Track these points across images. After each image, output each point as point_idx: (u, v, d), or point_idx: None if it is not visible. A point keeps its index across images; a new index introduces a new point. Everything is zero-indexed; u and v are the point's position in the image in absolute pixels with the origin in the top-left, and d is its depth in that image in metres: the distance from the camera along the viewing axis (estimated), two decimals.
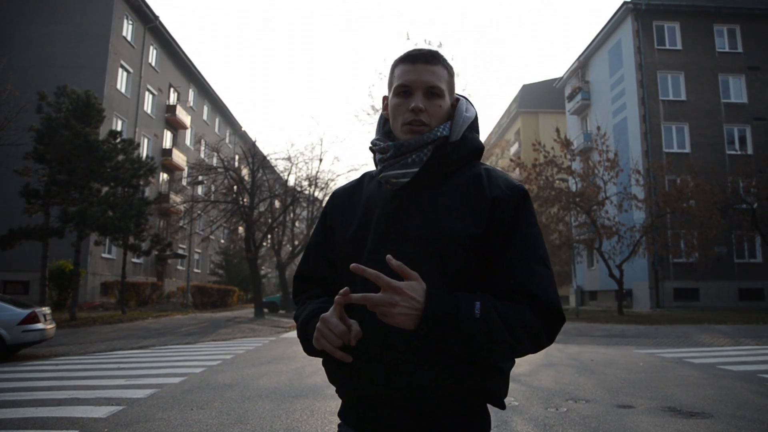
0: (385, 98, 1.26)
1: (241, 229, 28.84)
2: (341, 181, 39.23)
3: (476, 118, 1.26)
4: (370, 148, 1.25)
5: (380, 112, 1.31)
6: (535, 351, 1.09)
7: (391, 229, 1.13)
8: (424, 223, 1.11)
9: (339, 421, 1.26)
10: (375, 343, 1.08)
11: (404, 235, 1.11)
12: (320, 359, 1.23)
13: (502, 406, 1.15)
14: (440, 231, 1.10)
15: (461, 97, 1.26)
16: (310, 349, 1.19)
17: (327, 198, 1.22)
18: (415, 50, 1.20)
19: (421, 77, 1.16)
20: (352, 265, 1.01)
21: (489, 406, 1.17)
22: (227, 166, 25.08)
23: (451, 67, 1.22)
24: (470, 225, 1.10)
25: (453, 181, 1.16)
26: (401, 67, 1.19)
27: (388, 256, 1.01)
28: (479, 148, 1.21)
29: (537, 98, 46.18)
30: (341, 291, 1.03)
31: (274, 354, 10.69)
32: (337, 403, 5.70)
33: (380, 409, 1.12)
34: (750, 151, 25.56)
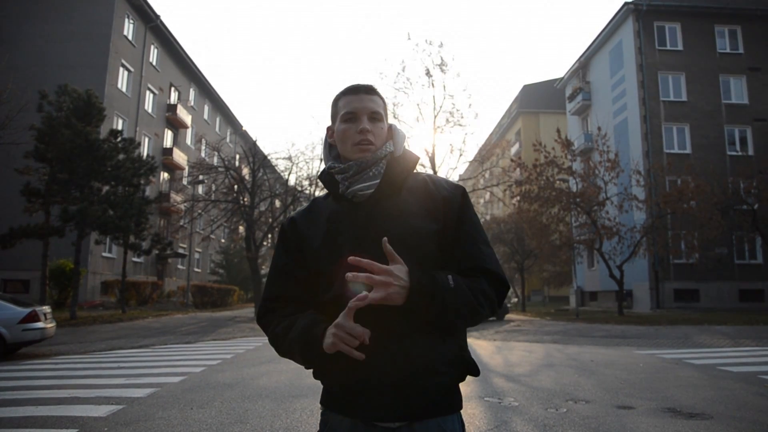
0: (329, 128, 1.45)
1: (241, 229, 28.85)
2: None
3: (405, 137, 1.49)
4: (327, 172, 1.39)
5: (326, 140, 1.47)
6: (490, 314, 1.31)
7: (366, 233, 1.30)
8: (396, 225, 1.29)
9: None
10: (371, 328, 1.21)
11: (380, 235, 1.25)
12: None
13: (478, 372, 1.32)
14: (411, 230, 1.30)
15: (392, 125, 1.47)
16: (313, 357, 1.27)
17: (284, 226, 1.33)
18: (355, 84, 1.40)
19: (364, 104, 1.36)
20: (350, 258, 1.17)
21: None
22: (228, 165, 25.07)
23: (384, 99, 1.42)
24: (431, 222, 1.32)
25: (406, 188, 1.37)
26: (345, 98, 1.39)
27: (384, 239, 1.20)
28: (417, 159, 1.42)
29: (538, 98, 46.18)
30: (358, 297, 1.16)
31: (275, 354, 10.64)
32: None
33: (372, 388, 1.24)
34: (751, 152, 25.55)
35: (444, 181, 1.41)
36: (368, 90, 1.39)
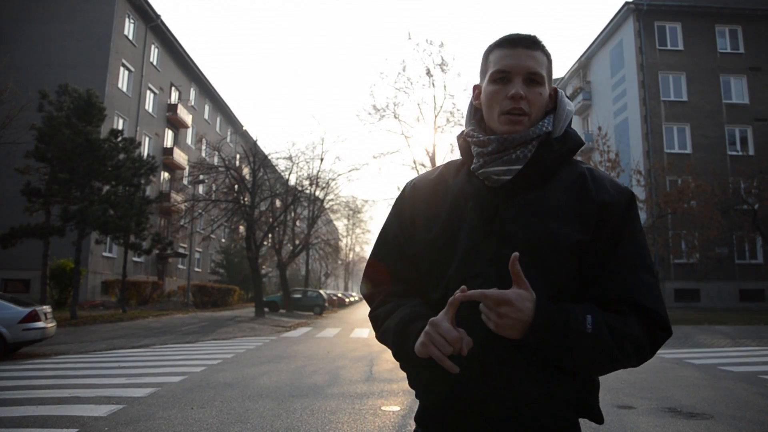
0: (476, 87, 1.18)
1: (241, 229, 28.83)
2: (342, 181, 39.26)
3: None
4: (465, 138, 1.16)
5: (471, 101, 1.21)
6: (637, 364, 1.05)
7: (491, 230, 1.07)
8: (528, 226, 1.05)
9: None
10: (475, 346, 0.99)
11: (506, 237, 1.05)
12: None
13: (601, 420, 1.09)
14: (547, 236, 1.04)
15: (558, 89, 1.18)
16: (404, 356, 1.10)
17: (404, 189, 1.18)
18: (514, 34, 1.12)
19: (521, 62, 1.08)
20: (458, 294, 0.95)
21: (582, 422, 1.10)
22: (228, 165, 25.07)
23: (550, 54, 1.13)
24: (577, 230, 1.04)
25: (556, 180, 1.10)
26: (498, 51, 1.11)
27: (515, 255, 0.95)
28: (581, 144, 1.13)
29: None
30: (460, 288, 0.96)
31: (275, 353, 10.69)
32: (336, 403, 5.72)
33: (470, 417, 1.05)
34: (751, 152, 25.53)
35: (608, 180, 1.11)
36: (528, 44, 1.10)
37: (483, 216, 1.08)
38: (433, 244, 1.12)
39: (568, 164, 1.13)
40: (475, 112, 1.19)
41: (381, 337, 1.17)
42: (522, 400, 1.02)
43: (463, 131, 1.18)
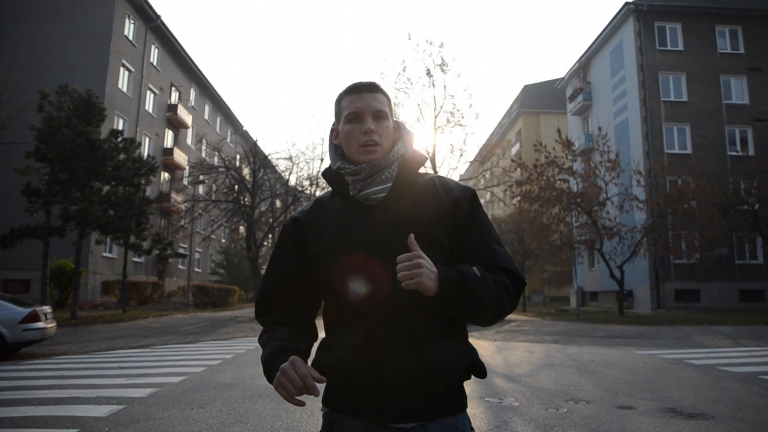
0: (333, 129, 1.42)
1: (242, 229, 28.88)
2: None
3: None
4: (336, 172, 1.37)
5: (331, 141, 1.44)
6: (510, 309, 1.30)
7: (378, 237, 1.28)
8: (409, 228, 1.25)
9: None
10: (389, 330, 1.23)
11: (392, 239, 1.26)
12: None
13: (485, 374, 1.34)
14: (423, 233, 1.26)
15: (399, 121, 1.44)
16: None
17: (288, 224, 1.46)
18: (358, 83, 1.37)
19: (368, 104, 1.33)
20: (411, 236, 1.18)
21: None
22: (228, 165, 25.10)
23: (388, 95, 1.39)
24: (443, 225, 1.31)
25: (415, 189, 1.35)
26: (348, 97, 1.35)
27: (411, 235, 1.19)
28: (425, 160, 1.41)
29: (538, 99, 46.16)
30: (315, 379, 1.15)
31: None
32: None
33: (387, 392, 1.23)
34: (751, 152, 25.53)
35: (453, 182, 1.40)
36: (371, 88, 1.36)
37: (370, 228, 1.29)
38: (327, 256, 1.31)
39: (419, 176, 1.40)
40: (337, 149, 1.41)
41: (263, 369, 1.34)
42: (433, 366, 1.23)
43: (328, 168, 1.41)
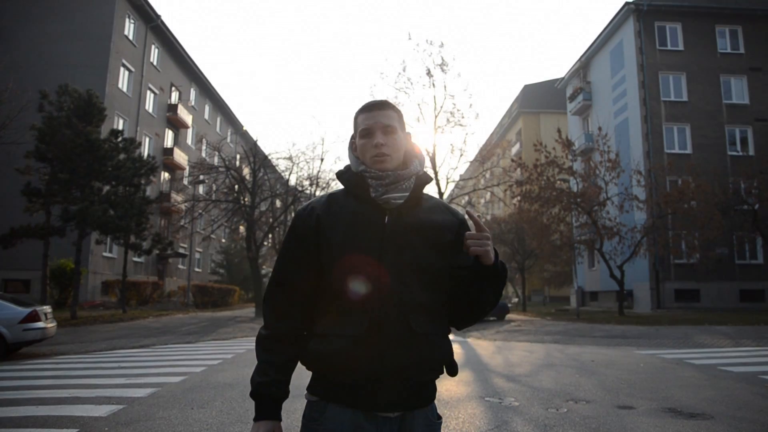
0: (352, 142, 1.57)
1: (242, 229, 28.86)
2: None
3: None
4: (359, 174, 1.50)
5: (351, 151, 1.60)
6: (497, 301, 1.53)
7: (392, 238, 1.41)
8: (425, 233, 1.45)
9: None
10: (390, 324, 1.35)
11: (405, 243, 1.42)
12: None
13: (456, 371, 1.49)
14: (435, 239, 1.46)
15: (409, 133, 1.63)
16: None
17: (300, 212, 1.57)
18: (369, 102, 1.55)
19: (377, 120, 1.49)
20: (468, 209, 1.49)
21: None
22: (228, 165, 25.09)
23: (399, 110, 1.56)
24: (450, 234, 1.49)
25: (425, 203, 1.53)
26: (362, 115, 1.52)
27: (468, 209, 1.51)
28: (430, 180, 1.57)
29: (538, 99, 46.17)
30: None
31: None
32: None
33: (380, 384, 1.34)
34: (751, 152, 25.54)
35: (453, 207, 1.65)
36: (381, 106, 1.53)
37: (386, 229, 1.42)
38: (339, 251, 1.41)
39: (428, 195, 1.59)
40: (356, 159, 1.56)
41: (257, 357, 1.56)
42: (423, 361, 1.37)
43: (347, 167, 1.55)
